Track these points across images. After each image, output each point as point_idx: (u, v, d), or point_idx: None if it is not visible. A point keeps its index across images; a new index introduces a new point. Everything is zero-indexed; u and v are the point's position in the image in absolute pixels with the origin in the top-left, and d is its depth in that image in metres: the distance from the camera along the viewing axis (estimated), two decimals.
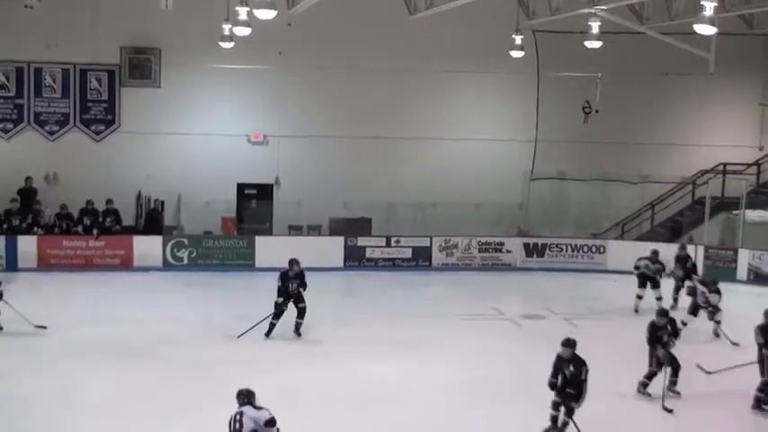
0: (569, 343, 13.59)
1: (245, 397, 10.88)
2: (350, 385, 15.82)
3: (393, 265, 26.36)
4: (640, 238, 28.67)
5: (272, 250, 25.01)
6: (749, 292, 23.50)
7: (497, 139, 28.80)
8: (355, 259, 26.23)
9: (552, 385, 13.48)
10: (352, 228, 26.93)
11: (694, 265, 22.60)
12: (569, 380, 13.32)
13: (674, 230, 29.32)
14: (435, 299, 22.90)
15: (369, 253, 26.40)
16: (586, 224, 28.74)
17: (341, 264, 26.06)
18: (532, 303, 22.38)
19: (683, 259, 22.47)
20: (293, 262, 18.54)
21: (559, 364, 13.51)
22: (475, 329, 19.54)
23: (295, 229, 27.24)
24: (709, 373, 16.00)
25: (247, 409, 10.70)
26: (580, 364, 13.40)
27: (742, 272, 26.28)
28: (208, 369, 16.32)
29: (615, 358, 17.39)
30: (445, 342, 18.66)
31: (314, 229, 27.18)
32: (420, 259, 26.64)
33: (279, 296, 18.35)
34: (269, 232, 26.95)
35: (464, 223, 27.18)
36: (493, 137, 28.77)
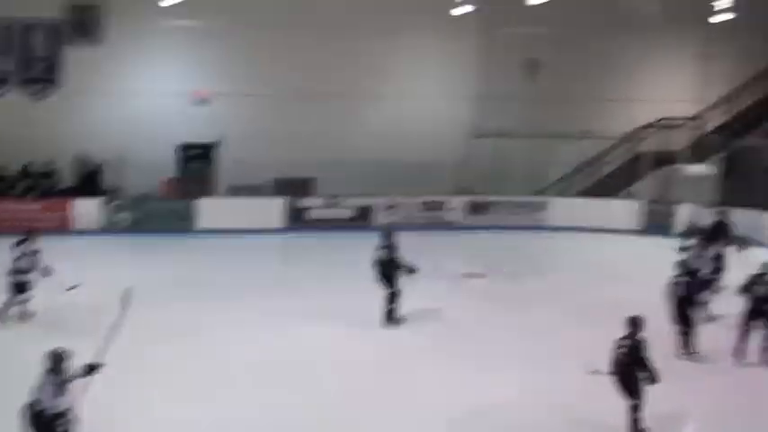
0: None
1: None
2: (292, 351, 16.21)
3: (335, 225, 26.59)
4: (582, 194, 29.33)
5: (212, 212, 25.25)
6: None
7: (440, 96, 29.08)
8: (296, 220, 26.48)
9: None
10: (296, 188, 27.17)
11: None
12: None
13: (614, 185, 29.95)
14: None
15: (310, 214, 26.63)
16: (529, 181, 29.26)
17: (282, 224, 26.28)
18: (474, 262, 22.84)
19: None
20: None
21: None
22: (418, 289, 19.94)
23: (236, 190, 27.42)
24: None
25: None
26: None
27: (681, 226, 26.95)
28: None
29: (557, 317, 17.99)
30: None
31: (255, 190, 27.34)
32: (362, 219, 26.94)
33: None
34: (210, 193, 27.07)
35: (407, 182, 27.49)
36: (436, 95, 29.08)
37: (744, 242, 21.35)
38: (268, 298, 19.47)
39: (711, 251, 19.30)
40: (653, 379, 12.46)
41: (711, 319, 17.53)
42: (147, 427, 12.88)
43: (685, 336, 16.25)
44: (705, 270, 17.87)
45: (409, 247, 22.45)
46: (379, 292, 17.85)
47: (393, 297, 17.95)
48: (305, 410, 13.62)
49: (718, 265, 19.17)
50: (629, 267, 23.33)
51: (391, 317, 17.90)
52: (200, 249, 23.98)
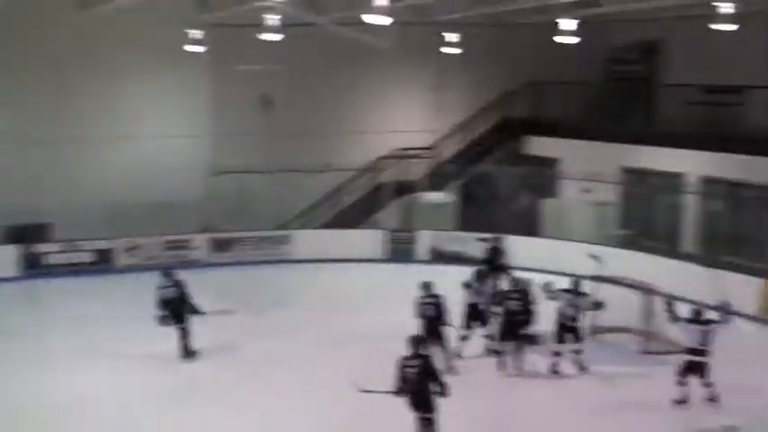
0: None
1: None
2: (38, 398, 15.78)
3: (75, 270, 25.86)
4: (326, 226, 29.74)
5: None
6: (429, 271, 24.90)
7: (178, 135, 28.82)
8: (32, 267, 25.59)
9: None
10: (31, 234, 26.29)
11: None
12: None
13: (357, 216, 30.51)
14: (121, 302, 22.80)
15: (48, 259, 25.85)
16: (272, 216, 29.39)
17: (18, 272, 25.36)
18: (221, 299, 22.70)
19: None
20: None
21: None
22: (165, 331, 19.72)
23: None
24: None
25: None
26: None
27: (423, 252, 27.80)
28: None
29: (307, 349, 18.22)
30: (138, 346, 18.79)
31: None
32: (104, 262, 26.36)
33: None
34: None
35: (149, 223, 27.09)
36: (174, 133, 28.81)
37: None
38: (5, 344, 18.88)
39: (490, 284, 19.92)
40: (444, 392, 12.88)
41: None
42: None
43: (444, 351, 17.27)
44: (483, 303, 18.82)
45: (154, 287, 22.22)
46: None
47: (185, 333, 18.43)
48: None
49: (498, 295, 19.31)
50: (376, 294, 23.84)
51: (187, 351, 18.32)
52: None
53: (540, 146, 32.14)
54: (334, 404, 15.64)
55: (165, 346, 18.62)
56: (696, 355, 15.65)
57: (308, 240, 28.39)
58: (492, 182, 32.09)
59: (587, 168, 28.04)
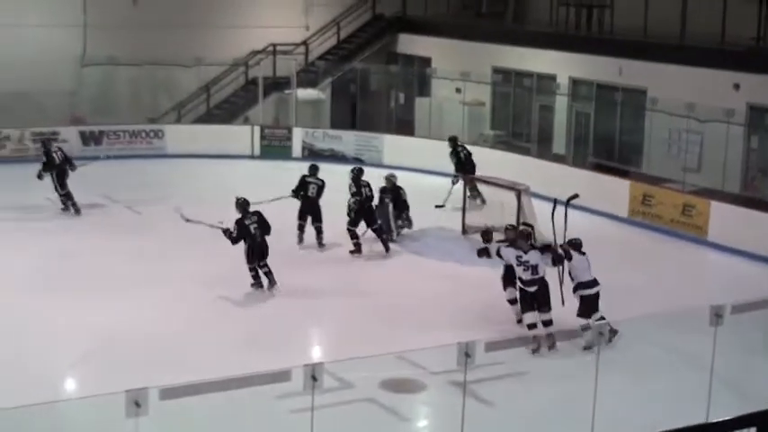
0: None
1: None
2: None
3: None
4: (198, 121, 29.40)
5: None
6: (303, 168, 24.87)
7: (43, 24, 27.85)
8: None
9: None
10: None
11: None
12: None
13: (230, 111, 30.21)
14: None
15: None
16: (143, 109, 28.91)
17: None
18: (92, 192, 22.37)
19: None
20: None
21: None
22: (25, 222, 19.42)
23: None
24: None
25: None
26: None
27: (297, 149, 27.78)
28: None
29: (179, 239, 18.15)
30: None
31: None
32: None
33: None
34: None
35: (15, 114, 26.32)
36: (39, 23, 27.81)
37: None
38: None
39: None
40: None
41: None
42: None
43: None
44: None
45: (23, 179, 21.83)
46: None
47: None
48: None
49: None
50: (248, 189, 23.63)
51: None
52: None
53: (412, 44, 32.19)
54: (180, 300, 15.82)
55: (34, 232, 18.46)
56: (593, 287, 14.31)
57: (181, 135, 28.05)
58: (364, 80, 32.11)
59: (459, 68, 28.24)
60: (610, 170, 24.24)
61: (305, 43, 31.62)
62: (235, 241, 16.15)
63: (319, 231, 19.22)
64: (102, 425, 10.09)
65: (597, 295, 14.05)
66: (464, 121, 27.85)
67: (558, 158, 26.13)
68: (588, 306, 13.96)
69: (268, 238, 16.35)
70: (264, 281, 16.36)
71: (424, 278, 17.68)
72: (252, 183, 24.62)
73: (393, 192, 19.94)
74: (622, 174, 23.71)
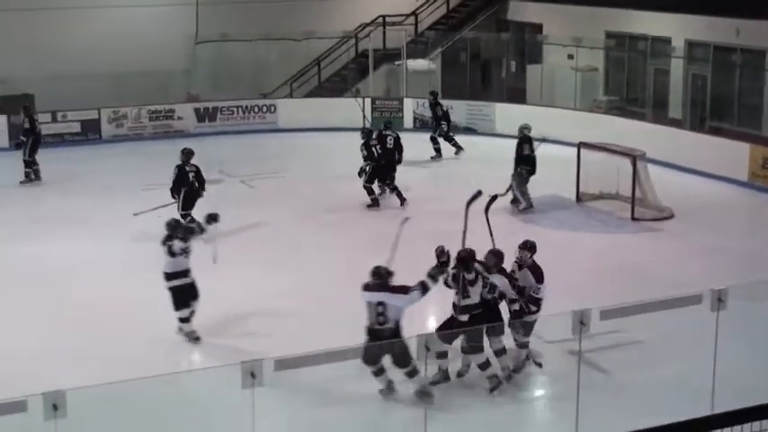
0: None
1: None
2: (26, 267, 15.87)
3: (62, 140, 25.76)
4: (309, 95, 29.57)
5: None
6: (416, 139, 24.88)
7: (157, 4, 28.37)
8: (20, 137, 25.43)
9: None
10: (14, 104, 25.99)
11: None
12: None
13: (340, 84, 30.34)
14: (111, 172, 22.77)
15: None
16: (255, 85, 29.20)
17: (5, 144, 25.19)
18: (208, 168, 22.66)
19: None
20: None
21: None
22: (154, 200, 19.75)
23: None
24: None
25: None
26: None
27: (408, 120, 27.75)
28: None
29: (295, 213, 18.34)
30: (125, 217, 18.82)
31: None
32: (89, 132, 26.26)
33: None
34: None
35: (132, 92, 26.91)
36: (152, 2, 28.32)
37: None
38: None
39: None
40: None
41: None
42: None
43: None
44: None
45: (140, 157, 22.28)
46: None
47: None
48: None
49: None
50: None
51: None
52: None
53: (522, 11, 31.84)
54: (311, 269, 15.94)
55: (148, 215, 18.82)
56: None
57: (293, 109, 28.29)
58: (474, 48, 31.92)
59: (571, 33, 27.86)
60: (728, 133, 23.71)
61: (414, 14, 31.52)
62: (176, 190, 17.52)
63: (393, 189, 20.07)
64: (220, 395, 10.29)
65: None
66: (577, 87, 27.53)
67: (675, 123, 25.65)
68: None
69: None
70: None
71: (538, 246, 17.53)
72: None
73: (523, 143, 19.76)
74: (741, 137, 23.13)
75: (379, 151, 20.09)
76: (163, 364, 11.38)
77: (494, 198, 12.68)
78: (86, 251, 17.25)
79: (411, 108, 28.12)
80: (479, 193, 12.76)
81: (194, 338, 13.18)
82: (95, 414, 9.99)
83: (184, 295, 13.10)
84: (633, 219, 18.92)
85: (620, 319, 10.52)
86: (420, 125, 27.48)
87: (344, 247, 17.07)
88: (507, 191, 19.14)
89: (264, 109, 28.26)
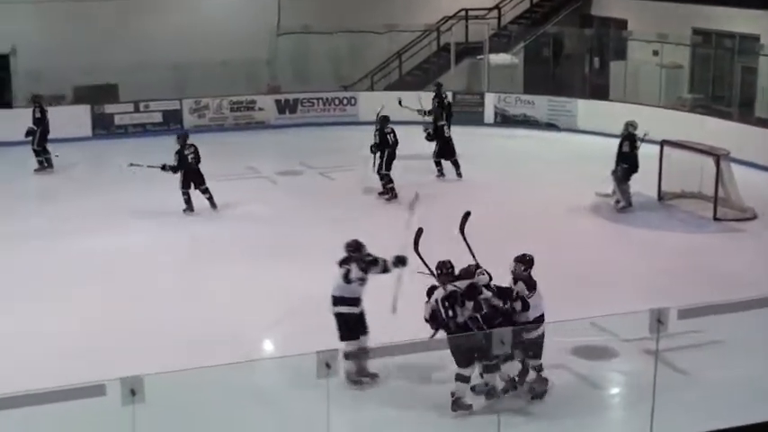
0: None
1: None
2: (104, 254, 16.16)
3: (144, 130, 26.18)
4: (389, 88, 29.64)
5: (13, 123, 24.38)
6: (496, 134, 24.89)
7: None
8: (104, 127, 25.96)
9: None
10: (97, 94, 26.52)
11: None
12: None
13: (422, 78, 30.34)
14: None
15: (117, 120, 26.14)
16: (336, 77, 29.36)
17: (89, 133, 25.67)
18: (288, 160, 22.99)
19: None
20: None
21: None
22: (232, 190, 20.04)
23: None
24: None
25: None
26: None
27: (489, 115, 27.70)
28: None
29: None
30: (203, 205, 19.10)
31: (58, 99, 26.52)
32: (171, 122, 26.63)
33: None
34: (8, 105, 26.16)
35: (214, 83, 27.22)
36: None
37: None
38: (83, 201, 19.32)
39: None
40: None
41: None
42: None
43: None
44: None
45: (221, 147, 22.58)
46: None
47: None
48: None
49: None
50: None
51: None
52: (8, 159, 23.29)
53: (607, 6, 31.53)
54: None
55: (232, 205, 19.09)
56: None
57: (373, 102, 28.31)
58: (558, 43, 31.74)
59: (656, 30, 27.55)
60: None
61: (497, 7, 31.41)
62: (175, 170, 18.71)
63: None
64: (295, 384, 10.42)
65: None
66: (661, 84, 27.22)
67: (761, 122, 25.22)
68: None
69: None
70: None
71: (617, 244, 17.48)
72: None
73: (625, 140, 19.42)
74: None
75: (394, 139, 20.17)
76: (239, 353, 11.52)
77: (467, 215, 12.30)
78: (159, 239, 17.50)
79: (492, 103, 28.04)
80: (468, 214, 12.32)
81: (354, 381, 11.68)
82: (172, 400, 10.18)
83: (351, 325, 11.76)
84: (715, 219, 18.67)
85: (699, 318, 10.42)
86: (501, 120, 27.42)
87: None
88: (614, 192, 19.13)
89: (345, 101, 28.42)
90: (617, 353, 12.44)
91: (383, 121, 20.29)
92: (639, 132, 19.31)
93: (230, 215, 18.93)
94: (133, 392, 7.67)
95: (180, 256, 16.61)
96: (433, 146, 21.84)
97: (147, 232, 17.84)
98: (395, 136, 20.15)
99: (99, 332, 13.13)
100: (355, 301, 11.81)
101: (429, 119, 22.29)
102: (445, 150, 21.69)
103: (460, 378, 10.90)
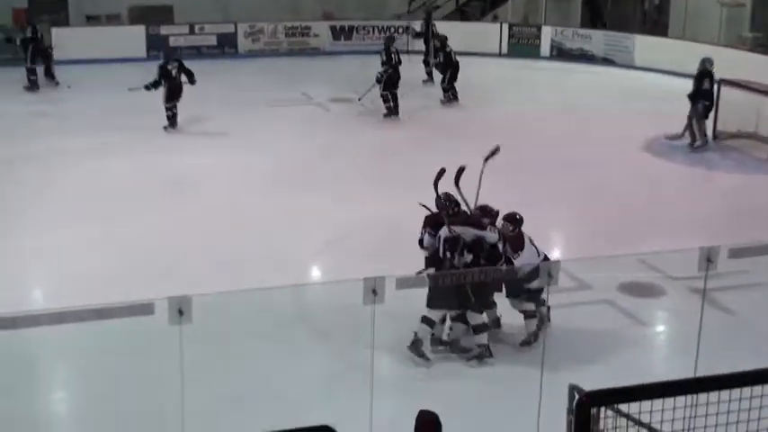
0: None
1: None
2: (159, 176, 16.25)
3: (198, 53, 26.18)
4: (446, 18, 29.35)
5: (69, 42, 24.51)
6: (552, 68, 24.66)
7: None
8: (158, 48, 25.94)
9: None
10: (152, 15, 26.53)
11: None
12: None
13: (479, 9, 30.06)
14: (244, 87, 23.10)
15: (172, 41, 26.17)
16: (392, 5, 29.14)
17: (143, 54, 25.73)
18: (340, 87, 22.90)
19: None
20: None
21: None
22: (284, 116, 20.06)
23: (93, 19, 26.64)
24: None
25: None
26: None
27: (545, 48, 27.43)
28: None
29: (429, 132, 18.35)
30: (255, 130, 19.14)
31: (113, 19, 26.59)
32: (226, 46, 26.62)
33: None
34: (65, 23, 26.24)
35: (269, 7, 27.12)
36: None
37: None
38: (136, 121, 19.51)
39: None
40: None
41: None
42: None
43: None
44: None
45: (275, 73, 22.55)
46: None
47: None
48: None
49: None
50: (497, 88, 23.67)
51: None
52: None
53: None
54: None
55: (283, 131, 19.11)
56: None
57: None
58: None
59: None
60: None
61: None
62: (156, 85, 18.88)
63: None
64: (342, 309, 10.48)
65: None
66: (721, 22, 26.74)
67: None
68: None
69: None
70: None
71: (671, 182, 17.31)
72: (498, 82, 24.59)
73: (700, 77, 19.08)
74: None
75: (399, 58, 20.61)
76: (286, 277, 11.59)
77: (462, 170, 11.82)
78: (214, 161, 17.55)
79: (549, 36, 27.72)
80: (498, 149, 11.63)
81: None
82: (220, 321, 10.30)
83: None
84: None
85: (749, 259, 10.29)
86: (557, 54, 27.12)
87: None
88: (684, 131, 18.90)
89: (401, 30, 28.18)
90: (664, 290, 12.37)
91: (390, 41, 21.18)
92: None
93: (280, 141, 18.92)
94: (181, 312, 7.71)
95: (227, 181, 16.60)
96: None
97: (194, 155, 17.88)
98: (398, 56, 20.68)
99: (147, 252, 13.24)
100: None
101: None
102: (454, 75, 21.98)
103: (426, 321, 10.52)
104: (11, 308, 8.68)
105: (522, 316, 10.95)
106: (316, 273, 13.51)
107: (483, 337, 10.62)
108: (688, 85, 19.40)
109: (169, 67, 19.16)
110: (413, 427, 6.88)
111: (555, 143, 18.83)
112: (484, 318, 10.69)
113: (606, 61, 26.45)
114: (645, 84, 23.77)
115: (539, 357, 9.38)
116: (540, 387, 8.69)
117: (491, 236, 10.59)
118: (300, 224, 14.45)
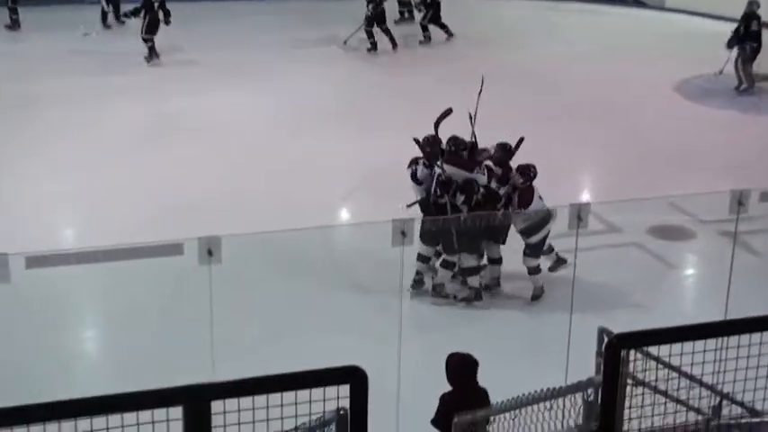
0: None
1: None
2: (177, 117, 16.28)
3: None
4: None
5: None
6: (579, 9, 24.44)
7: None
8: None
9: None
10: None
11: None
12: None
13: None
14: (267, 27, 22.79)
15: None
16: None
17: None
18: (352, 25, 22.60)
19: None
20: None
21: None
22: (306, 57, 19.94)
23: None
24: None
25: None
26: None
27: None
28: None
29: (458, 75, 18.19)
30: (275, 71, 19.05)
31: None
32: None
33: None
34: None
35: None
36: None
37: None
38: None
39: None
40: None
41: None
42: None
43: None
44: None
45: (298, 14, 22.36)
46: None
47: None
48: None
49: None
50: (524, 31, 23.34)
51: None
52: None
53: None
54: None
55: (303, 72, 19.03)
56: None
57: None
58: None
59: None
60: None
61: None
62: (137, 12, 19.47)
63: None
64: (370, 250, 10.50)
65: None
66: None
67: None
68: None
69: None
70: None
71: (702, 125, 17.14)
72: (525, 24, 24.24)
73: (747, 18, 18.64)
74: None
75: None
76: (317, 218, 11.60)
77: (448, 111, 11.67)
78: (239, 103, 17.48)
79: None
80: (450, 111, 11.37)
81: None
82: (249, 261, 10.34)
83: None
84: None
85: None
86: None
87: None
88: (721, 71, 18.62)
89: None
90: (694, 233, 12.32)
91: None
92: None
93: (301, 82, 18.79)
94: (210, 252, 7.75)
95: (252, 123, 16.53)
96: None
97: (219, 97, 17.77)
98: None
99: (176, 193, 13.26)
100: None
101: None
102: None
103: (420, 258, 10.85)
104: (42, 247, 8.75)
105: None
106: (345, 214, 13.50)
107: (474, 280, 10.73)
108: (721, 27, 19.16)
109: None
110: (442, 367, 6.90)
111: (584, 87, 18.63)
112: (475, 261, 10.74)
113: (637, 3, 26.05)
114: (676, 26, 23.44)
115: (567, 300, 9.38)
116: (569, 330, 8.70)
117: (481, 178, 10.74)
118: (327, 165, 14.41)
